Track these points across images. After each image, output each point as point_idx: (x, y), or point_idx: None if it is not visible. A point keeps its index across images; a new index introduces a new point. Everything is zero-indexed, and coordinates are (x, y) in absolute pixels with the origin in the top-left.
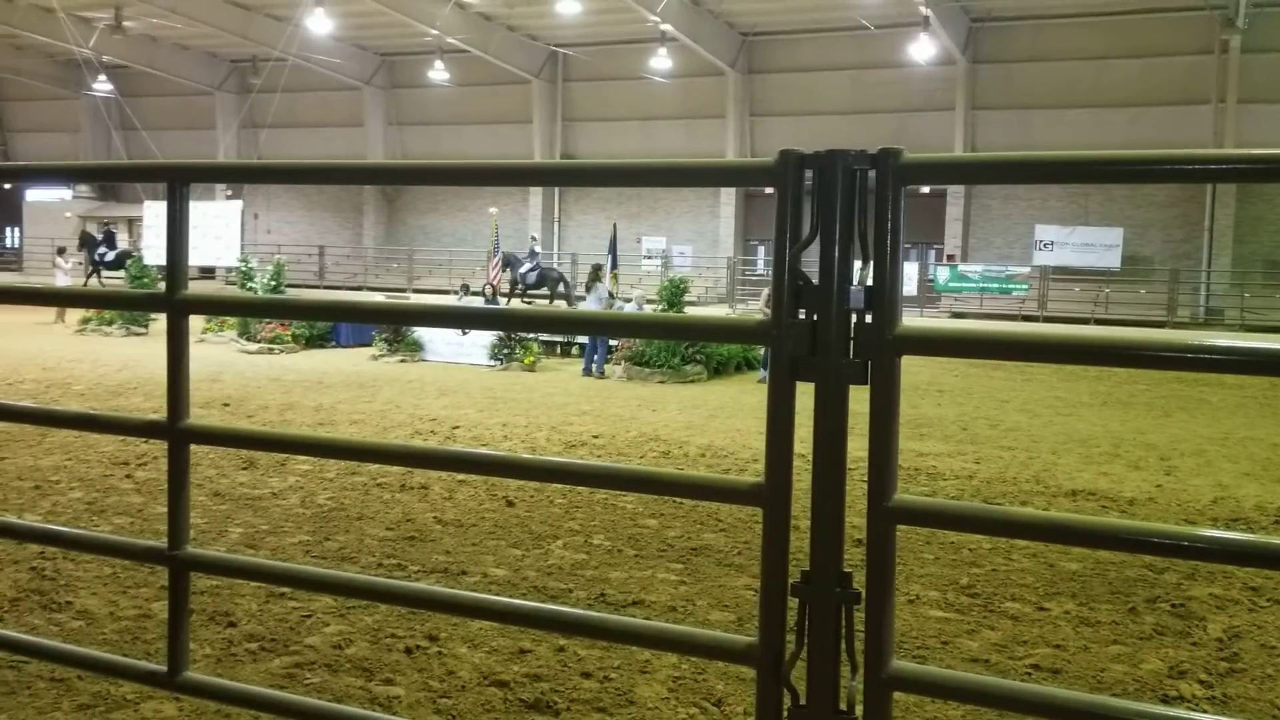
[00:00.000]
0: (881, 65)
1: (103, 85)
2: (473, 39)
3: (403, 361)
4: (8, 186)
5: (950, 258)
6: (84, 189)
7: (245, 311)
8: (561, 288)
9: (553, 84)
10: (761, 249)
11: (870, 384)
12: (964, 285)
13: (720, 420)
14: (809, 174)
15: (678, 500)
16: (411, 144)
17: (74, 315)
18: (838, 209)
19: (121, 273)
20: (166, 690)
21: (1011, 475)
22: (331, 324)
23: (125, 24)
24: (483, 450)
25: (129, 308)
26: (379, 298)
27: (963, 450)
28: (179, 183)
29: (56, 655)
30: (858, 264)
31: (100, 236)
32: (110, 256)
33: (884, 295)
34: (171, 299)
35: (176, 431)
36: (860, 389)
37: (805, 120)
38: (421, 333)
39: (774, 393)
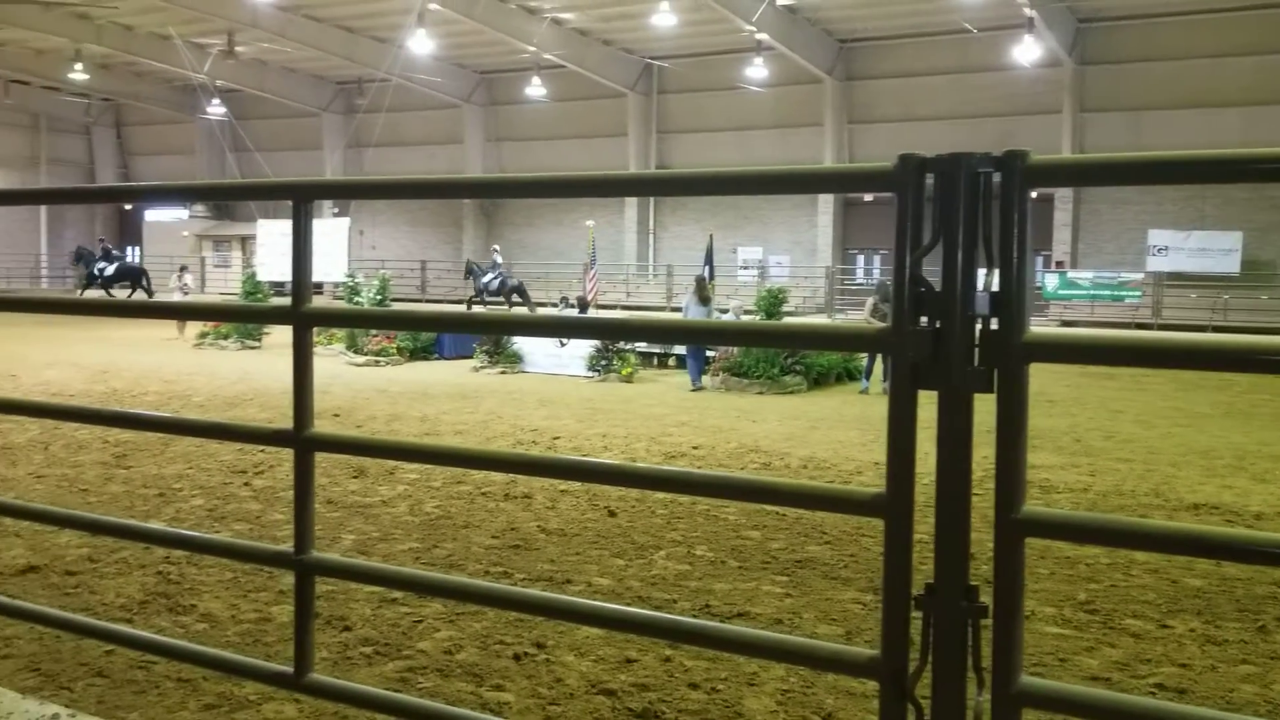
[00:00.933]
0: (984, 69)
1: (216, 109)
2: (569, 54)
3: (503, 373)
4: (129, 207)
5: (1059, 264)
6: (200, 209)
7: (366, 323)
8: (517, 296)
9: (647, 96)
10: (860, 258)
11: (997, 392)
12: (1074, 293)
13: (821, 432)
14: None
15: (781, 512)
16: (509, 159)
17: (192, 329)
18: (960, 213)
19: (123, 285)
20: (293, 691)
21: (1129, 488)
22: (435, 337)
23: (237, 49)
24: (604, 460)
25: (256, 321)
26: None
27: (1076, 462)
28: (302, 200)
29: (189, 656)
30: (981, 270)
31: (98, 252)
32: (110, 271)
33: (1011, 301)
34: (297, 312)
35: (302, 440)
36: (981, 398)
37: (905, 126)
38: (521, 344)
39: (895, 401)
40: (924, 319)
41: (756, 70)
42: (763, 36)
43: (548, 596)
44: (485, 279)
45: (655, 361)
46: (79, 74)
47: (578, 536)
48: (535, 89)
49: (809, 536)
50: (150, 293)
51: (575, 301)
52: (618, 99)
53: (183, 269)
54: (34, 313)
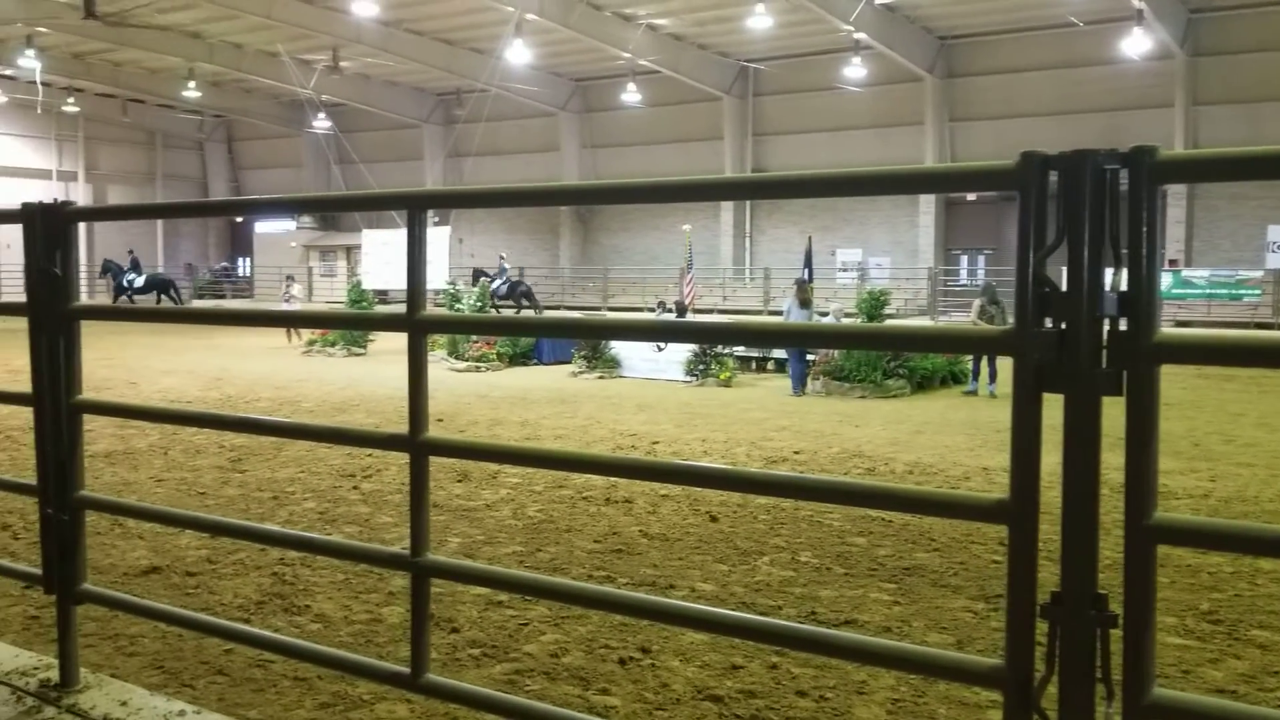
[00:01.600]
0: (1091, 63)
1: (322, 123)
2: (664, 59)
3: (601, 378)
4: (240, 219)
5: (1172, 263)
6: (307, 220)
7: (478, 330)
8: (526, 300)
9: (743, 99)
10: (964, 258)
11: (1126, 395)
12: (1188, 292)
13: (926, 436)
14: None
15: (887, 518)
16: (604, 165)
17: (302, 337)
18: (1086, 211)
19: (151, 295)
20: (410, 691)
21: (1252, 494)
22: (534, 342)
23: (341, 64)
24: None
25: (372, 328)
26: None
27: (1195, 467)
28: (417, 209)
29: (311, 655)
30: (1108, 270)
31: (126, 264)
32: (139, 282)
33: (1140, 300)
34: (412, 319)
35: (417, 444)
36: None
37: (1008, 123)
38: (618, 349)
39: (1019, 405)
40: (1048, 320)
41: (854, 70)
42: (861, 36)
43: (662, 601)
44: (494, 285)
45: (754, 366)
46: (192, 92)
47: (679, 541)
48: (630, 95)
49: (916, 543)
50: (178, 302)
51: (673, 306)
52: (713, 103)
53: (290, 279)
54: (157, 323)
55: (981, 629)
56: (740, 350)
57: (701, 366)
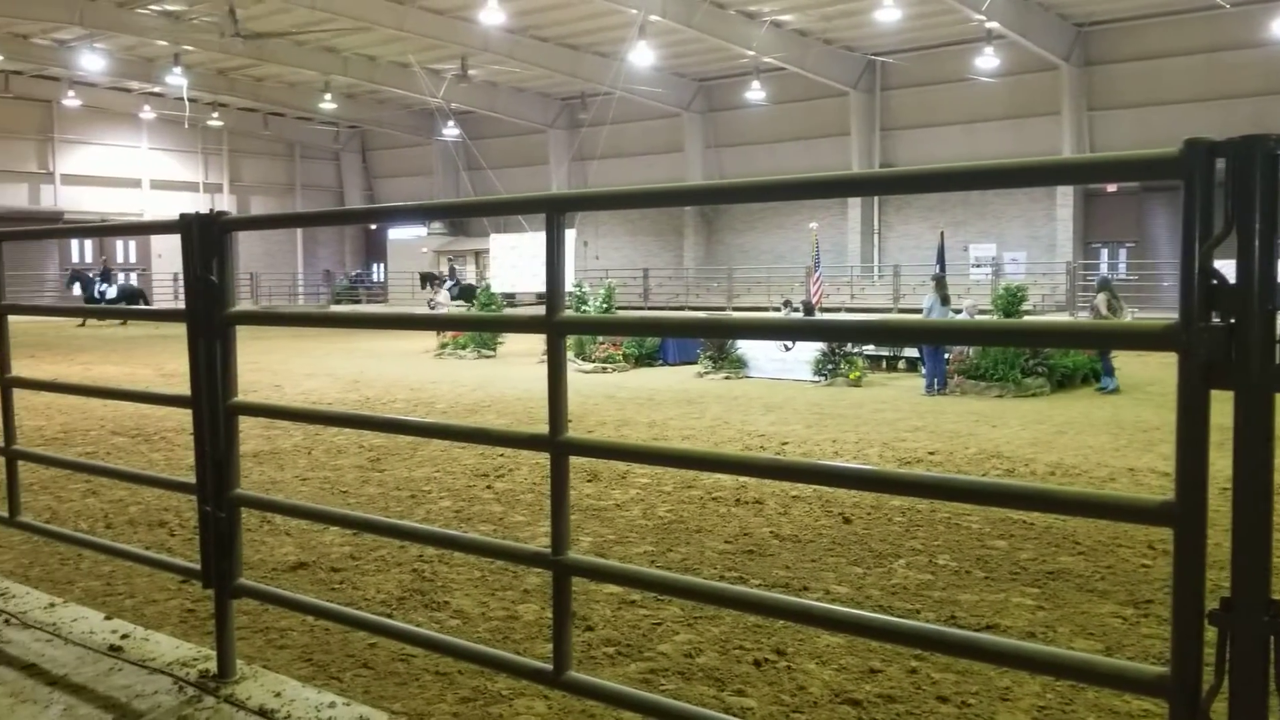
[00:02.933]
0: (1240, 46)
1: (451, 130)
2: (788, 56)
3: (727, 378)
4: (373, 226)
5: None
6: (437, 226)
7: (615, 331)
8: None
9: (871, 94)
10: (1104, 252)
11: None
12: None
13: (1068, 436)
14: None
15: (1029, 520)
16: (728, 165)
17: (433, 341)
18: (1257, 199)
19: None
20: (552, 688)
21: None
22: (659, 343)
23: (470, 72)
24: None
25: (513, 330)
26: (701, 315)
27: None
28: (556, 213)
29: (457, 650)
30: None
31: (97, 274)
32: (111, 292)
33: None
34: (551, 321)
35: (558, 444)
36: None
37: (1150, 111)
38: (745, 349)
39: (1185, 403)
40: (1215, 315)
41: (986, 60)
42: (993, 25)
43: (810, 604)
44: (447, 286)
45: (884, 365)
46: (328, 104)
47: (812, 543)
48: (754, 93)
49: (1060, 547)
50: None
51: (799, 305)
52: (839, 98)
53: (441, 282)
54: (302, 326)
55: (1131, 636)
56: (870, 349)
57: (830, 366)
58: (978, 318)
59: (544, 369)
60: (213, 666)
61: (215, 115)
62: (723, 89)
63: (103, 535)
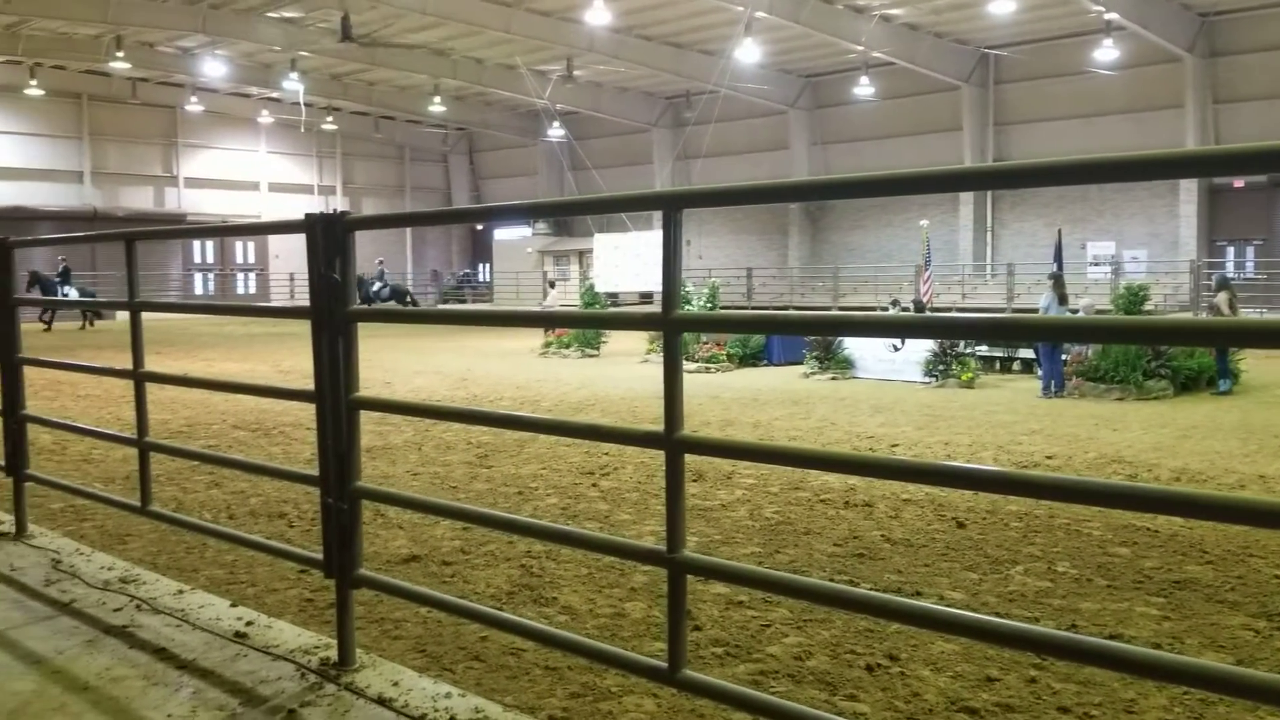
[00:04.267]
0: None
1: (556, 131)
2: (898, 50)
3: (833, 379)
4: (479, 227)
5: None
6: (541, 226)
7: (731, 328)
8: (409, 300)
9: (983, 88)
10: (1230, 249)
11: None
12: None
13: (1193, 441)
14: None
15: (1153, 528)
16: (835, 162)
17: (537, 340)
18: None
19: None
20: (668, 685)
21: None
22: (764, 343)
23: (575, 73)
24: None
25: (628, 328)
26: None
27: None
28: (674, 210)
29: (574, 646)
30: None
31: (57, 275)
32: (73, 295)
33: None
34: (667, 318)
35: (673, 442)
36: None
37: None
38: (852, 349)
39: None
40: None
41: (1105, 52)
42: (1112, 16)
43: (934, 608)
44: (374, 288)
45: (997, 366)
46: (437, 106)
47: (925, 548)
48: (863, 88)
49: (1186, 555)
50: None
51: (909, 305)
52: (950, 92)
53: (552, 284)
54: (421, 324)
55: (1265, 649)
56: (983, 349)
57: (941, 367)
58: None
59: (646, 368)
60: (333, 655)
61: (329, 119)
62: (830, 85)
63: (226, 526)
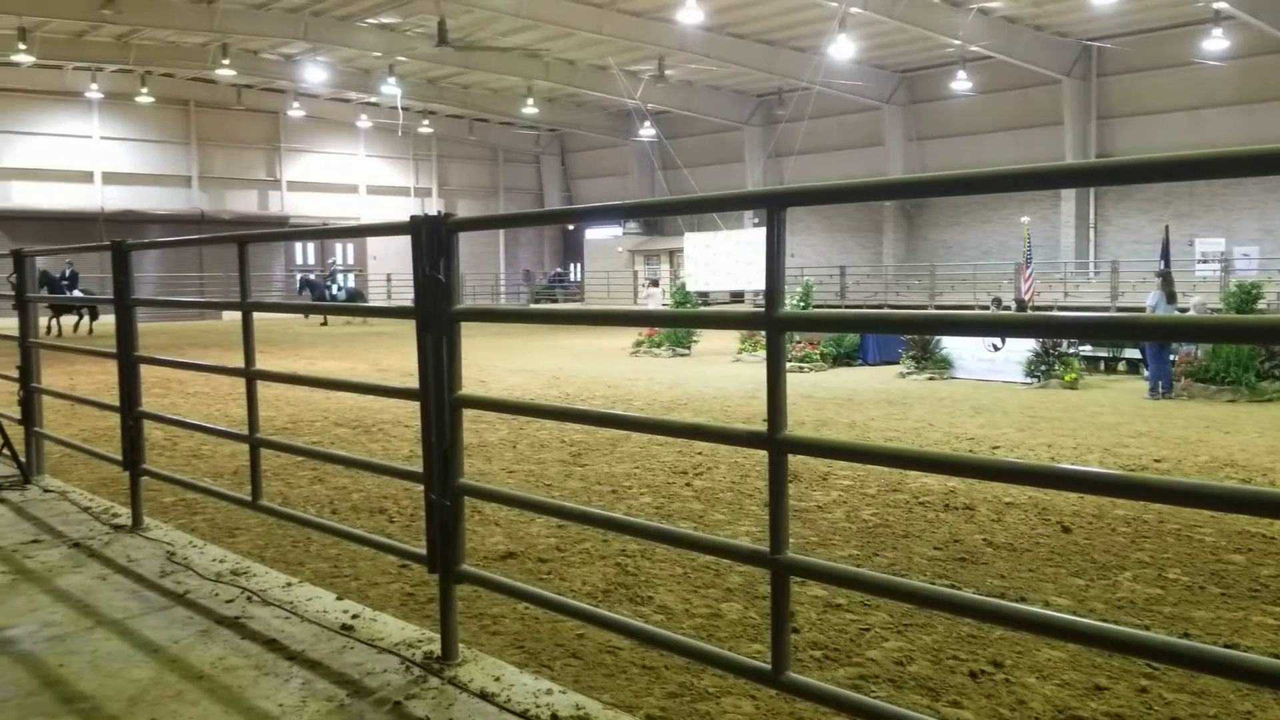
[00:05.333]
0: None
1: (647, 130)
2: (997, 44)
3: (931, 379)
4: (571, 227)
5: None
6: (632, 226)
7: (838, 327)
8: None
9: (1085, 80)
10: None
11: None
12: None
13: None
14: None
15: (1270, 534)
16: (931, 158)
17: (628, 339)
18: None
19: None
20: (771, 687)
21: None
22: (859, 342)
23: (667, 72)
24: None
25: (730, 327)
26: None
27: None
28: (778, 208)
29: (676, 646)
30: None
31: (65, 276)
32: (78, 292)
33: None
34: (771, 317)
35: (776, 442)
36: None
37: None
38: (951, 348)
39: None
40: None
41: (1214, 43)
42: (1221, 5)
43: (1049, 614)
44: (332, 291)
45: (1102, 366)
46: (530, 108)
47: (1029, 552)
48: (960, 83)
49: None
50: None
51: (1010, 303)
52: (1051, 86)
53: (655, 282)
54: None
55: None
56: (1087, 349)
57: (1044, 367)
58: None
59: (738, 368)
60: (436, 649)
61: (425, 123)
62: (926, 80)
63: (330, 520)
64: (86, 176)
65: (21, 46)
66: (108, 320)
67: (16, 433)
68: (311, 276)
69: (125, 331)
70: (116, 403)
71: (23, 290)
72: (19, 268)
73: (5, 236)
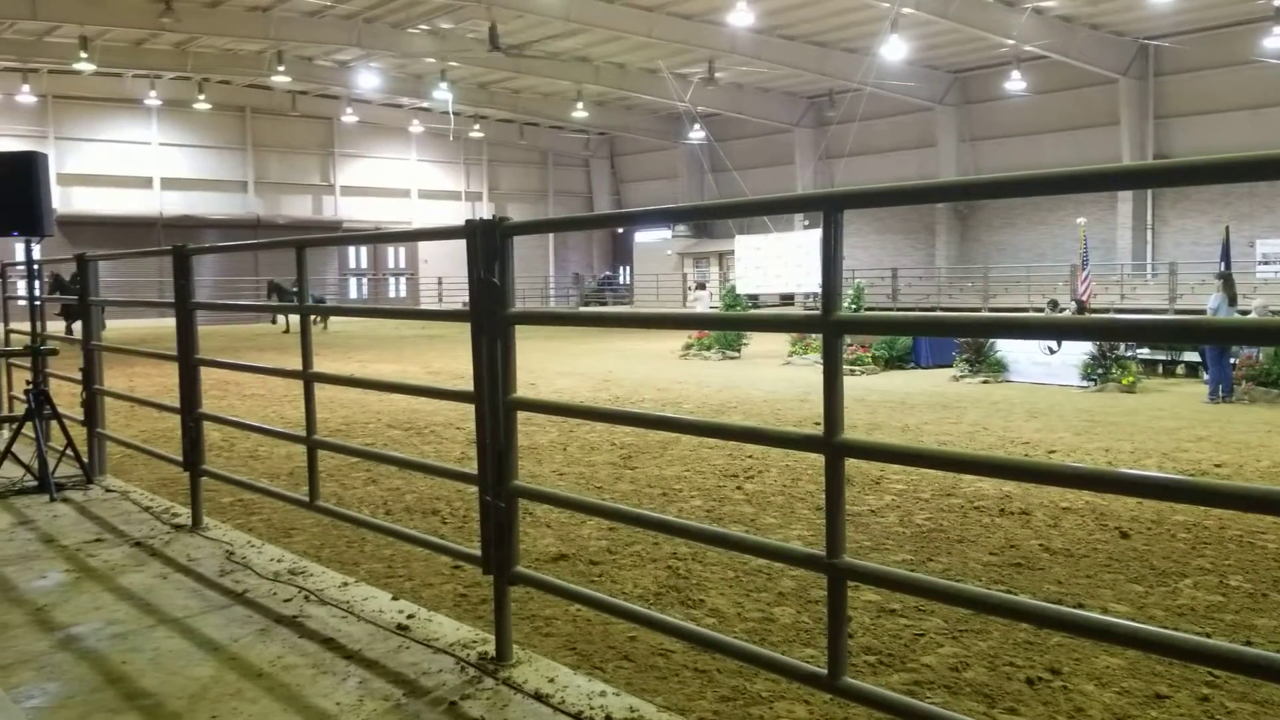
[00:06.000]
0: None
1: (697, 133)
2: (1052, 44)
3: (985, 382)
4: (620, 230)
5: None
6: (681, 229)
7: (896, 330)
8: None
9: (1143, 80)
10: None
11: None
12: None
13: None
14: None
15: None
16: (984, 159)
17: (678, 342)
18: None
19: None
20: (828, 692)
21: None
22: (911, 346)
23: (716, 75)
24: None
25: (787, 329)
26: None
27: None
28: (835, 210)
29: (733, 650)
30: None
31: (75, 280)
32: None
33: None
34: (827, 320)
35: (834, 445)
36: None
37: None
38: (1005, 351)
39: None
40: None
41: (1275, 41)
42: None
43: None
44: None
45: (1160, 369)
46: (580, 112)
47: (1086, 558)
48: (1014, 83)
49: None
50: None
51: (1067, 306)
52: (1107, 85)
53: (700, 285)
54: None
55: None
56: (1145, 352)
57: (1100, 370)
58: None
59: (788, 370)
60: (490, 649)
61: (476, 127)
62: (979, 80)
63: (386, 521)
64: (145, 182)
65: (83, 55)
66: (115, 324)
67: (79, 434)
68: (279, 281)
69: (185, 335)
70: (176, 404)
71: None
72: (82, 272)
73: (67, 241)
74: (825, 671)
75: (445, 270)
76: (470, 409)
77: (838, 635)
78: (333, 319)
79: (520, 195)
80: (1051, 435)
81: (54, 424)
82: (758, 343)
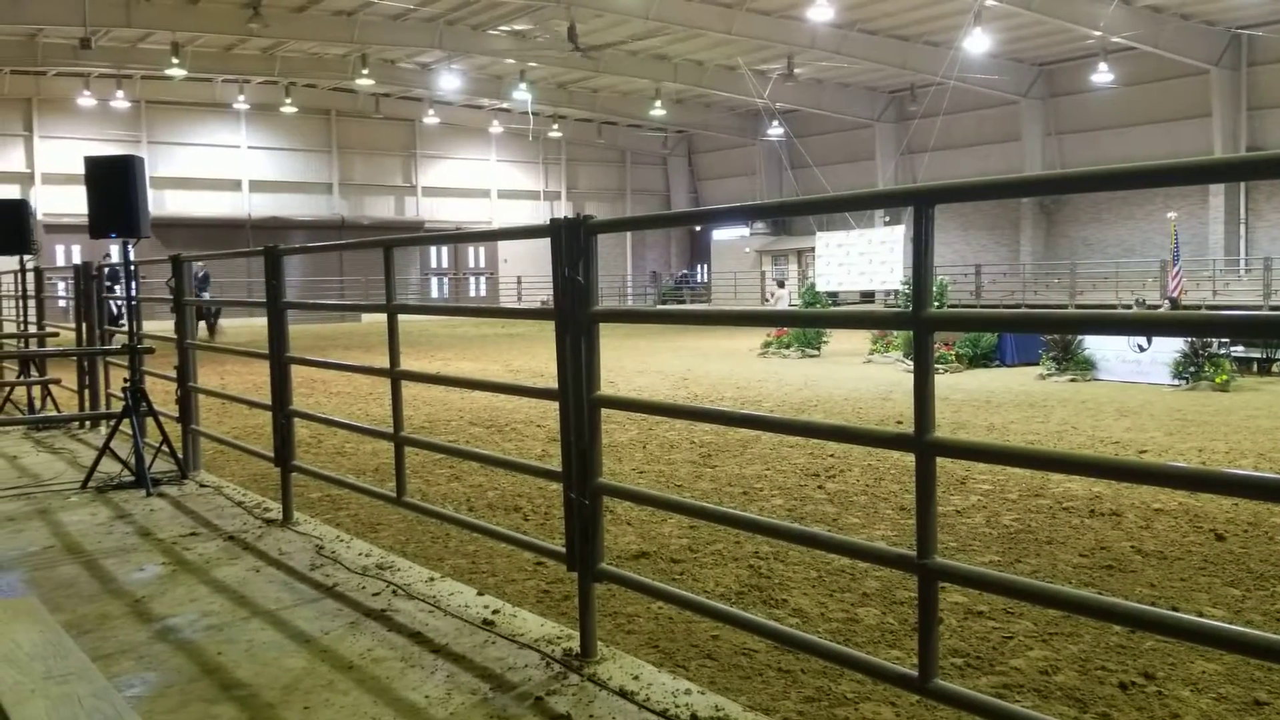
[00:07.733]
0: None
1: (775, 130)
2: (1140, 35)
3: (1072, 381)
4: (698, 228)
5: None
6: (760, 226)
7: (988, 326)
8: (216, 311)
9: (1235, 71)
10: None
11: None
12: None
13: None
14: None
15: None
16: (1071, 152)
17: (757, 340)
18: None
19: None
20: (918, 694)
21: None
22: (996, 343)
23: (795, 71)
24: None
25: (878, 327)
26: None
27: None
28: (926, 205)
29: (822, 651)
30: None
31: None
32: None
33: None
34: (918, 317)
35: (924, 444)
36: None
37: None
38: (1094, 349)
39: None
40: None
41: None
42: None
43: (1223, 626)
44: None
45: (1254, 368)
46: (658, 110)
47: (1180, 561)
48: (1101, 75)
49: None
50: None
51: (1160, 302)
52: (1198, 77)
53: (780, 283)
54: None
55: None
56: (1239, 350)
57: (1193, 368)
58: None
59: (869, 369)
60: (575, 646)
61: (555, 127)
62: (1065, 72)
63: (471, 518)
64: (234, 184)
65: (174, 60)
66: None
67: (174, 430)
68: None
69: (277, 333)
70: (267, 401)
71: (181, 294)
72: (177, 273)
73: (160, 242)
74: (916, 673)
75: (524, 269)
76: (551, 407)
77: (928, 637)
78: (412, 317)
79: (598, 194)
80: (1142, 435)
81: (150, 421)
82: (837, 341)
